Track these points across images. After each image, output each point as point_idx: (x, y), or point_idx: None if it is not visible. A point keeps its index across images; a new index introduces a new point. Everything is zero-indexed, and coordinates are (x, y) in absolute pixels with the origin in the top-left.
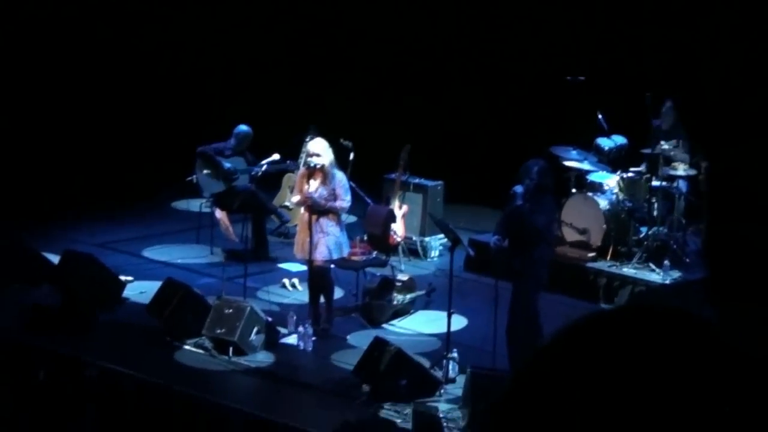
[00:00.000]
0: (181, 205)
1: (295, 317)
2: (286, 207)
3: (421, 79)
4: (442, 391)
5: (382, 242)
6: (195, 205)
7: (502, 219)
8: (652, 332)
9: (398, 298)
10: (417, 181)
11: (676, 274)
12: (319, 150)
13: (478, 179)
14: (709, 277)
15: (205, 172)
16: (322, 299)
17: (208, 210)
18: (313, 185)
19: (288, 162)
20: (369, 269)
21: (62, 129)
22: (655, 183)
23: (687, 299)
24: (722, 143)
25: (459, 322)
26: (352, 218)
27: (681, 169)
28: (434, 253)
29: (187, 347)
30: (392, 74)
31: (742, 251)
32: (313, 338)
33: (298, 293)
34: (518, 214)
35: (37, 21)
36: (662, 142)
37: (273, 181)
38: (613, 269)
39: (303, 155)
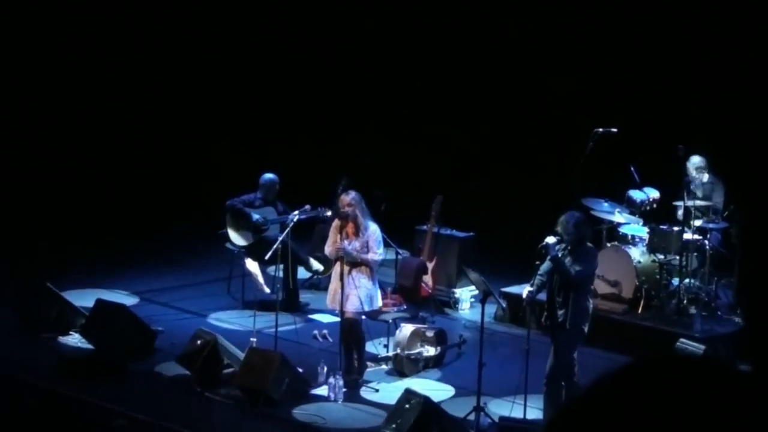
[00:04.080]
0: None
1: (326, 368)
2: (318, 257)
3: (452, 131)
4: None
5: (413, 293)
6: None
7: (538, 271)
8: (687, 382)
9: (429, 349)
10: (449, 232)
11: (707, 327)
12: (353, 202)
13: (509, 231)
14: (740, 331)
15: (234, 224)
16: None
17: (239, 260)
18: (346, 237)
19: (319, 209)
20: (400, 320)
21: (97, 178)
22: (687, 236)
23: (719, 352)
24: (757, 194)
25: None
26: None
27: (713, 222)
28: (466, 305)
29: (217, 398)
30: (424, 126)
31: None
32: (344, 389)
33: (329, 344)
34: (559, 266)
35: (85, 68)
36: (693, 195)
37: (305, 230)
38: (645, 322)
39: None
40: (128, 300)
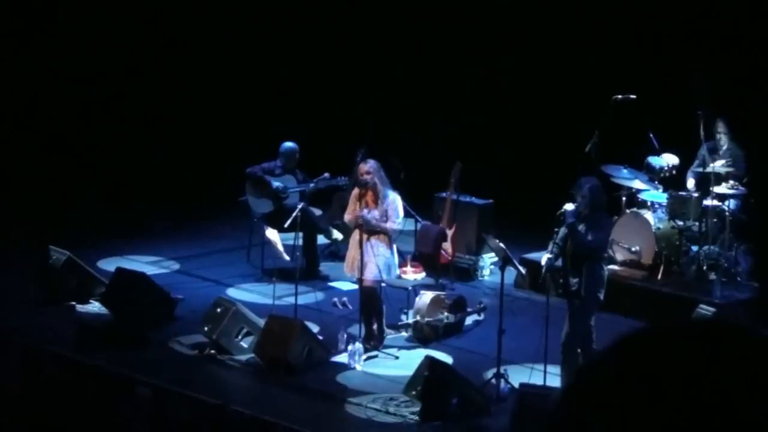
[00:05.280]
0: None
1: (345, 335)
2: (338, 225)
3: (472, 98)
4: (492, 409)
5: (433, 261)
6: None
7: (555, 238)
8: (707, 347)
9: (449, 316)
10: (468, 199)
11: (727, 293)
12: (371, 170)
13: (528, 198)
14: (760, 297)
15: (254, 192)
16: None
17: (258, 228)
18: (365, 205)
19: (338, 178)
20: (419, 287)
21: (119, 147)
22: (707, 202)
23: (739, 318)
24: None
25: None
26: (406, 236)
27: (732, 188)
28: (485, 272)
29: (238, 365)
30: (443, 92)
31: None
32: (364, 356)
33: (349, 311)
34: (573, 233)
35: (92, 48)
36: (715, 161)
37: (324, 198)
38: (664, 288)
39: (355, 175)
40: (148, 268)
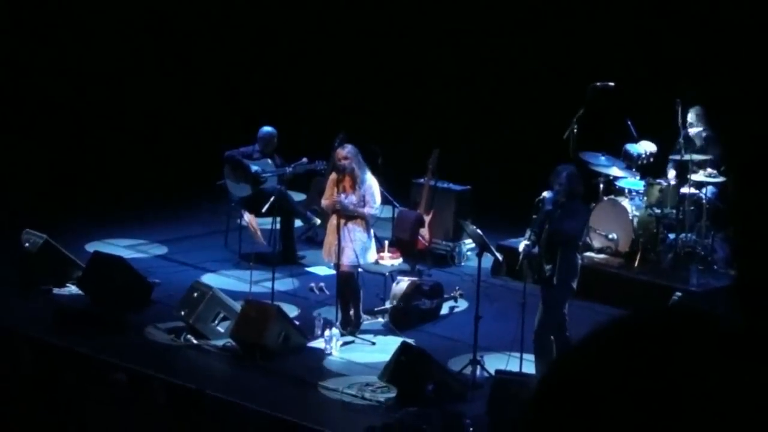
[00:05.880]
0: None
1: (322, 321)
2: (315, 211)
3: (450, 84)
4: (468, 396)
5: (410, 247)
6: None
7: (533, 225)
8: (681, 336)
9: (426, 302)
10: (445, 185)
11: (704, 281)
12: (348, 155)
13: (506, 184)
14: (735, 284)
15: (233, 176)
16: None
17: (236, 213)
18: (343, 190)
19: (316, 163)
20: (396, 273)
21: (97, 130)
22: (684, 189)
23: (715, 306)
24: (748, 146)
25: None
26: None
27: (710, 176)
28: (463, 258)
29: (214, 350)
30: (422, 78)
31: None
32: (340, 342)
33: (326, 297)
34: (549, 220)
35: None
36: (690, 149)
37: (302, 183)
38: (641, 276)
39: (332, 160)
40: (126, 252)
